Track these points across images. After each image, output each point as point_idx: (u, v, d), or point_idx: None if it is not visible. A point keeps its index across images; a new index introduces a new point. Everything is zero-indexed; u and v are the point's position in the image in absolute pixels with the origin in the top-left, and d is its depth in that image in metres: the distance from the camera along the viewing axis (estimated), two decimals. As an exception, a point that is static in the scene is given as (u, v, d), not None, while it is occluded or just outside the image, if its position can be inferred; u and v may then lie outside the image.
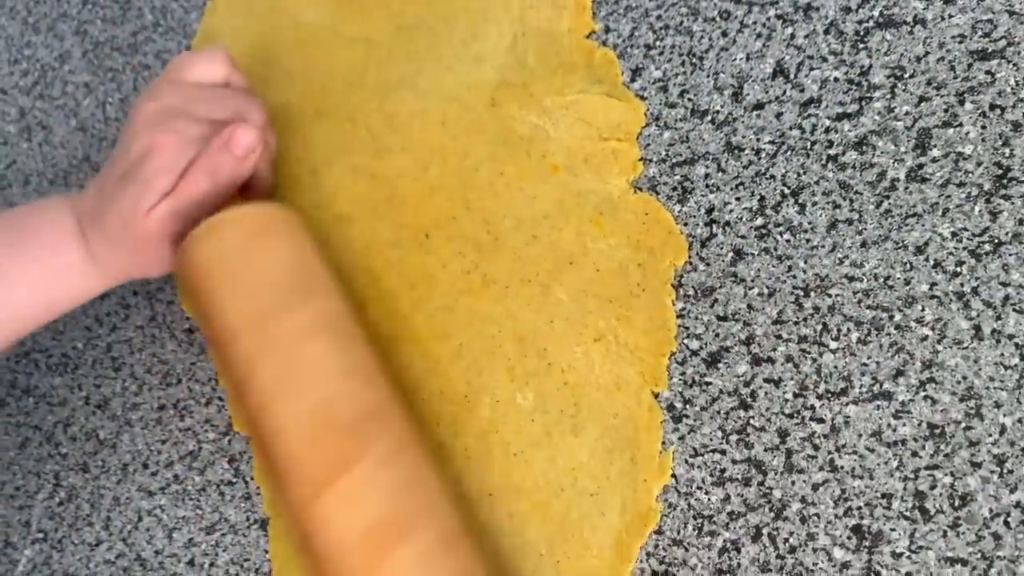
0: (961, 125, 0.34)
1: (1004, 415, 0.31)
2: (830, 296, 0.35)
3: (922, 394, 0.33)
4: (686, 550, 0.35)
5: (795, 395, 0.35)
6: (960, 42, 0.34)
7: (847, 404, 0.34)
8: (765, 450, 0.35)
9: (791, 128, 0.37)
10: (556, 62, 0.43)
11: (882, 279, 0.34)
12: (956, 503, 0.31)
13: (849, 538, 0.33)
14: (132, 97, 0.58)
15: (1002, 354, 0.32)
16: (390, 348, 0.44)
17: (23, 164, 0.61)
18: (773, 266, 0.36)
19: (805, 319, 0.35)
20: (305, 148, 0.49)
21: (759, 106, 0.38)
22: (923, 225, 0.34)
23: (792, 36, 0.37)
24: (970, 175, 0.33)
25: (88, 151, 0.59)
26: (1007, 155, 0.33)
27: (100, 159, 0.58)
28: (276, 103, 0.51)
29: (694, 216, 0.38)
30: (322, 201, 0.48)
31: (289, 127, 0.50)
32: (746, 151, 0.37)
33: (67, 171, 0.60)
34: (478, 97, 0.45)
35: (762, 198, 0.37)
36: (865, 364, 0.34)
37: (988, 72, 0.33)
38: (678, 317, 0.38)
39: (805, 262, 0.36)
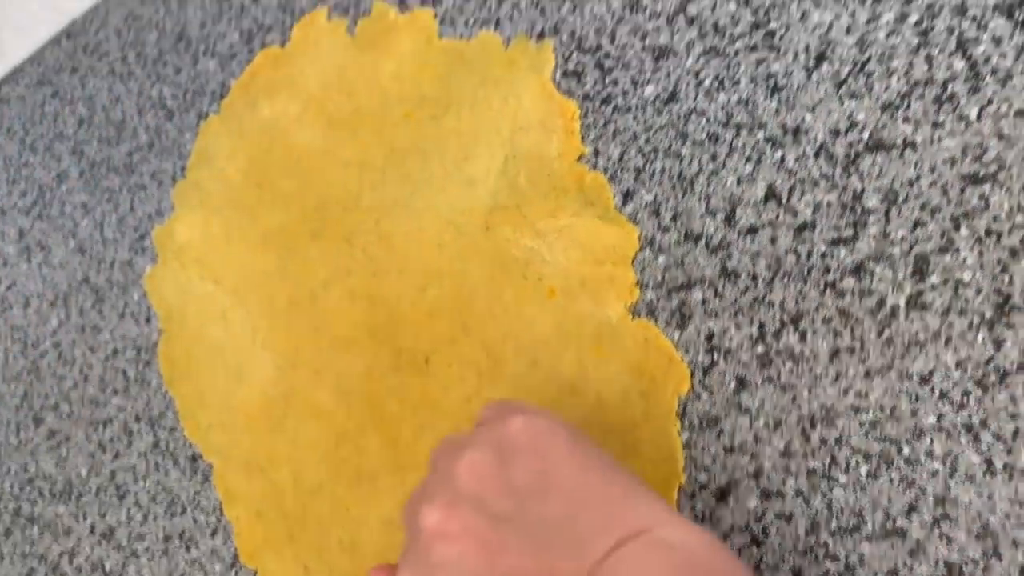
0: (958, 251, 0.33)
1: (1023, 555, 0.30)
2: (837, 427, 0.34)
3: (937, 532, 0.32)
4: None
5: (807, 532, 0.34)
6: (951, 166, 0.34)
7: (861, 541, 0.33)
8: (780, 594, 0.34)
9: (786, 253, 0.36)
10: (548, 185, 0.43)
11: (888, 410, 0.34)
12: (980, 654, 0.31)
13: None
14: (129, 218, 0.58)
15: (1016, 490, 0.31)
16: (394, 477, 0.43)
17: (22, 285, 0.62)
18: (777, 396, 0.36)
19: (813, 451, 0.34)
20: (303, 271, 0.49)
21: (753, 230, 0.37)
22: (926, 354, 0.33)
23: (782, 159, 0.37)
24: (970, 303, 0.33)
25: (87, 272, 0.59)
26: (1006, 282, 0.32)
27: (99, 281, 0.58)
28: (272, 225, 0.51)
29: (694, 343, 0.38)
30: (322, 325, 0.48)
31: (286, 249, 0.50)
32: (742, 276, 0.37)
33: (67, 292, 0.60)
34: (472, 220, 0.45)
35: (762, 325, 0.36)
36: (876, 499, 0.33)
37: (981, 197, 0.33)
38: (684, 448, 0.37)
39: (809, 392, 0.35)
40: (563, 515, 0.27)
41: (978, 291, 0.33)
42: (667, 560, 0.25)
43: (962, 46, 0.35)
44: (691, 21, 0.40)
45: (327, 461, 0.46)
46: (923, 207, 0.34)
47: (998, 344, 0.32)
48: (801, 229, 0.37)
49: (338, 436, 0.45)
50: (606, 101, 0.42)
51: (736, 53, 0.39)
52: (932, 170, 0.34)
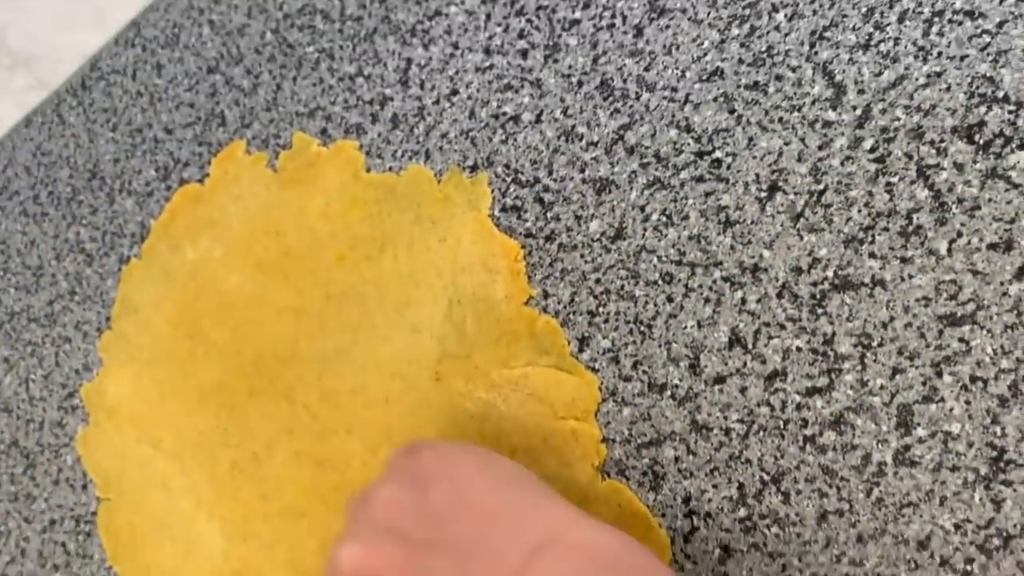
0: (943, 400, 0.31)
1: None
2: (834, 600, 0.31)
3: None
4: None
5: None
6: (926, 306, 0.31)
7: None
8: None
9: (759, 405, 0.34)
10: (497, 331, 0.39)
11: (887, 580, 0.31)
12: None
13: None
14: (55, 373, 0.54)
15: (1035, 668, 0.28)
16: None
17: (-52, 453, 0.57)
18: (766, 564, 0.33)
19: (810, 627, 0.32)
20: (243, 432, 0.46)
21: (720, 379, 0.34)
22: (921, 516, 0.31)
23: (743, 301, 0.34)
24: (963, 458, 0.30)
25: (16, 435, 0.55)
26: (999, 434, 0.30)
27: (29, 444, 0.54)
28: (207, 381, 0.47)
29: (671, 506, 0.35)
30: (268, 492, 0.44)
31: (224, 408, 0.47)
32: (715, 431, 0.34)
33: (-4, 458, 0.55)
34: (420, 371, 0.41)
35: (741, 485, 0.34)
36: None
37: (962, 340, 0.31)
38: (671, 625, 0.34)
39: (799, 559, 0.32)
40: (479, 532, 0.27)
41: (969, 444, 0.30)
42: (582, 560, 0.26)
43: (923, 173, 0.32)
44: (631, 151, 0.38)
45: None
46: (900, 352, 0.32)
47: (997, 504, 0.30)
48: (772, 378, 0.34)
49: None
50: (550, 238, 0.39)
51: (682, 185, 0.36)
52: (906, 310, 0.32)
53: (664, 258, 0.37)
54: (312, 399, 0.44)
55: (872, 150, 0.33)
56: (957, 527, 0.30)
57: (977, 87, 0.32)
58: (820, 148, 0.34)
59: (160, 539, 0.48)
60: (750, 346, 0.35)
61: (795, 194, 0.34)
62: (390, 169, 0.44)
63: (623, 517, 0.36)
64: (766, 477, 0.34)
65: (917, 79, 0.33)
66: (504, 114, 0.41)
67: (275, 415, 0.45)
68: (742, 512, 0.34)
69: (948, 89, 0.32)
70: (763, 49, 0.36)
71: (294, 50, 0.49)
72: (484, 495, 0.29)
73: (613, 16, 0.40)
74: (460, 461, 0.31)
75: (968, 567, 0.30)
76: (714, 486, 0.35)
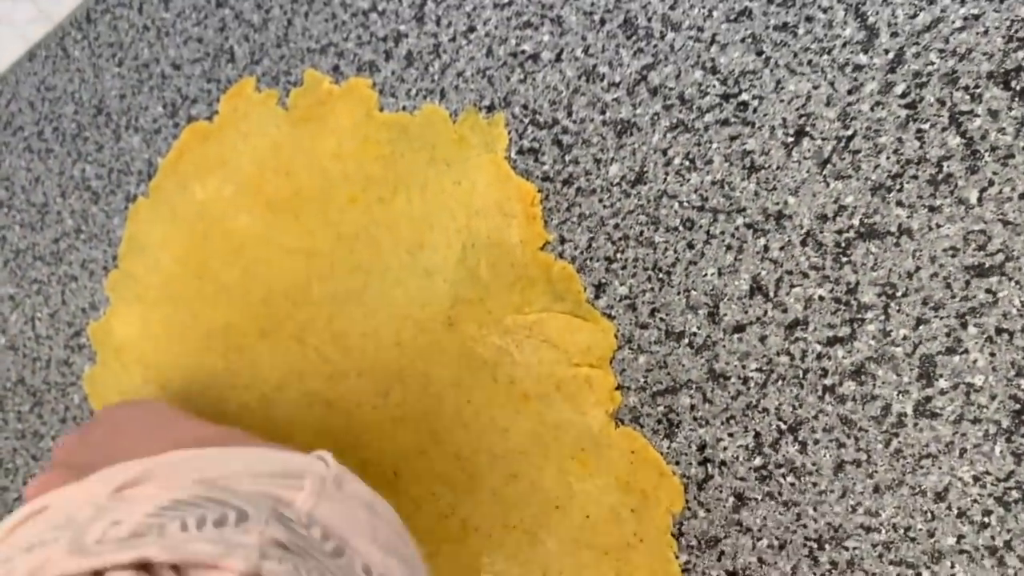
0: (967, 352, 0.30)
1: None
2: (847, 549, 0.31)
3: (966, 666, 0.29)
4: None
5: (824, 665, 0.31)
6: (953, 256, 0.31)
7: (883, 677, 0.30)
8: None
9: (779, 354, 0.33)
10: (512, 276, 0.39)
11: (902, 530, 0.31)
12: None
13: None
14: (61, 312, 0.53)
15: (1049, 620, 0.28)
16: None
17: (-45, 390, 0.57)
18: (780, 513, 0.33)
19: None
20: (253, 373, 0.45)
21: (740, 328, 0.34)
22: (940, 468, 0.30)
23: (766, 248, 0.34)
24: (985, 410, 0.30)
25: (22, 372, 0.54)
26: (1022, 387, 0.29)
27: (36, 382, 0.54)
28: (217, 323, 0.47)
29: (685, 454, 0.35)
30: (276, 432, 0.44)
31: (233, 349, 0.46)
32: (732, 380, 0.34)
33: (1, 395, 0.55)
34: (433, 315, 0.41)
35: (757, 434, 0.33)
36: (897, 629, 0.30)
37: (989, 291, 0.30)
38: (683, 571, 0.34)
39: (815, 509, 0.32)
40: (127, 452, 0.30)
41: (992, 397, 0.30)
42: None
43: (955, 120, 0.31)
44: (654, 92, 0.37)
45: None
46: (925, 302, 0.31)
47: (1018, 457, 0.29)
48: (792, 327, 0.33)
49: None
50: (568, 182, 0.38)
51: (706, 128, 0.35)
52: (932, 260, 0.31)
53: (686, 203, 0.36)
54: (323, 341, 0.44)
55: (903, 95, 0.32)
56: (976, 479, 0.30)
57: (1016, 31, 0.31)
58: (850, 92, 0.33)
59: (168, 478, 0.48)
60: (771, 294, 0.34)
61: (823, 139, 0.34)
62: (404, 108, 0.43)
63: (636, 464, 0.36)
64: (783, 426, 0.33)
65: (953, 22, 0.32)
66: (523, 52, 0.40)
67: (285, 357, 0.45)
68: (758, 461, 0.34)
69: (985, 32, 0.31)
70: (795, -12, 0.35)
71: (306, -16, 0.47)
72: (132, 425, 0.37)
73: (639, -48, 0.38)
74: (118, 408, 0.41)
75: (986, 519, 0.30)
76: (730, 435, 0.34)
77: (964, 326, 0.31)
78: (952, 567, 0.30)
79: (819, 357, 0.33)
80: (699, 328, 0.35)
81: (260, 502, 0.22)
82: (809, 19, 0.34)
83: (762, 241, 0.34)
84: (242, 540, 0.20)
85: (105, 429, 0.38)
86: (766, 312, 0.34)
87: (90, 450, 0.36)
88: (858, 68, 0.33)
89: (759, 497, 0.33)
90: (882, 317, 0.32)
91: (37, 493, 0.32)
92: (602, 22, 0.38)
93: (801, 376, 0.33)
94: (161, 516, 0.21)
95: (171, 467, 0.24)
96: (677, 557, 0.34)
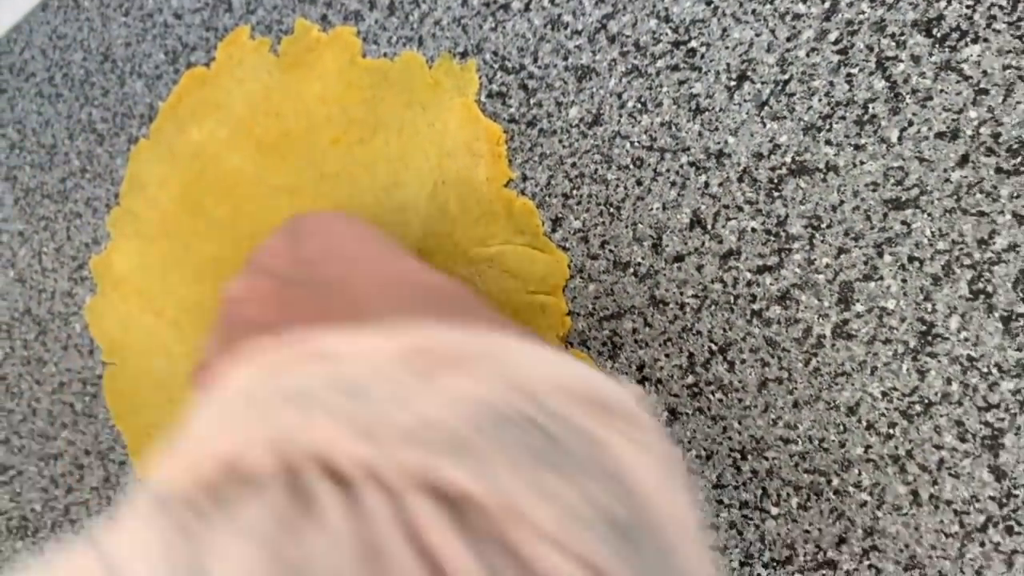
0: (882, 279, 0.33)
1: (948, 587, 0.30)
2: (767, 459, 0.34)
3: (866, 563, 0.32)
4: None
5: (741, 563, 0.34)
6: (874, 190, 0.33)
7: (793, 573, 0.33)
8: (712, 635, 0.34)
9: (713, 282, 0.36)
10: (478, 211, 0.42)
11: (817, 441, 0.33)
12: None
13: None
14: (66, 246, 0.57)
15: (942, 521, 0.31)
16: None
17: (-34, 319, 0.61)
18: (708, 427, 0.35)
19: (744, 483, 0.34)
20: (239, 302, 0.48)
21: (679, 258, 0.37)
22: (853, 385, 0.33)
23: (706, 184, 0.36)
24: (895, 331, 0.32)
25: (29, 303, 0.58)
26: (929, 310, 0.32)
27: (41, 312, 0.57)
28: (205, 255, 0.50)
29: (626, 373, 0.37)
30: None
31: (221, 280, 0.49)
32: (671, 305, 0.37)
33: (9, 324, 0.59)
34: (405, 248, 0.44)
35: (691, 355, 0.36)
36: (807, 531, 0.33)
37: (904, 223, 0.33)
38: (619, 481, 0.37)
39: (739, 423, 0.35)
40: (341, 273, 0.29)
41: (902, 319, 0.33)
42: (416, 290, 0.28)
43: (882, 65, 0.34)
44: (612, 39, 0.39)
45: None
46: (847, 233, 0.34)
47: (922, 374, 0.32)
48: (727, 256, 0.36)
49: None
50: (531, 124, 0.41)
51: (658, 73, 0.38)
52: (855, 195, 0.34)
53: (636, 144, 0.39)
54: (303, 272, 0.47)
55: (836, 42, 0.35)
56: (884, 395, 0.33)
57: (939, -18, 0.33)
58: (788, 40, 0.36)
59: (161, 401, 0.51)
60: (709, 227, 0.37)
61: (762, 83, 0.36)
62: (385, 55, 0.46)
63: (582, 383, 0.38)
64: (714, 348, 0.36)
65: (884, -27, 0.34)
66: (495, 2, 0.43)
67: (269, 287, 0.48)
68: (690, 379, 0.36)
69: (912, -17, 0.34)
70: (742, -58, 0.37)
71: (299, -63, 0.50)
72: (349, 245, 0.32)
73: (602, -94, 0.41)
74: (333, 221, 0.35)
75: (891, 430, 0.32)
76: (666, 355, 0.37)
77: (880, 255, 0.33)
78: (859, 474, 0.33)
79: (749, 284, 0.35)
80: (643, 258, 0.38)
81: (588, 451, 0.17)
82: (755, -29, 0.37)
83: (703, 178, 0.37)
84: (583, 512, 0.16)
85: (319, 245, 0.32)
86: (704, 243, 0.37)
87: (304, 265, 0.31)
88: (797, 17, 0.36)
89: (690, 412, 0.36)
90: (807, 247, 0.35)
91: (241, 296, 0.30)
92: (567, -27, 0.41)
93: (732, 302, 0.36)
94: (481, 430, 0.16)
95: (473, 350, 0.19)
96: (615, 468, 0.37)
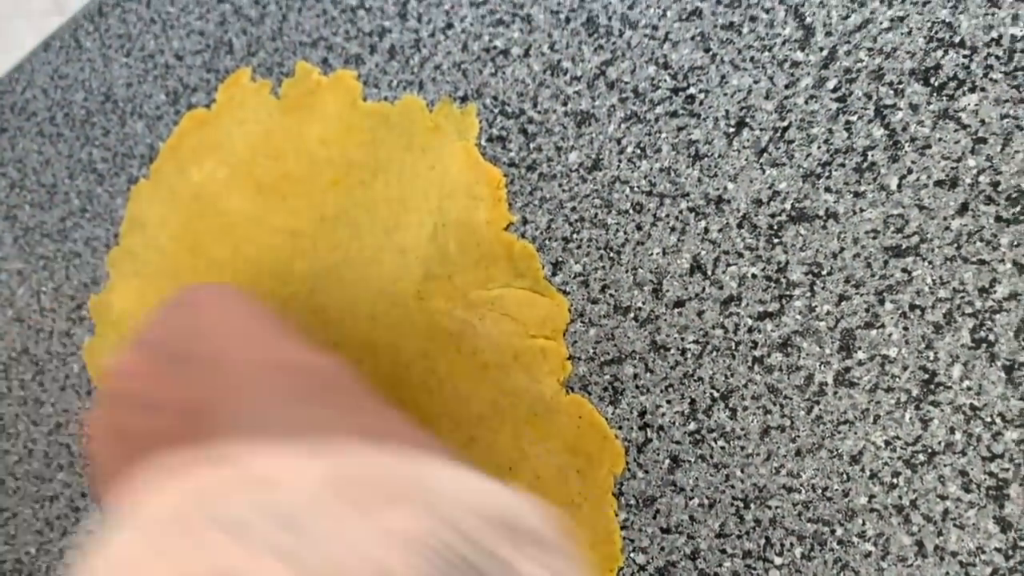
0: (883, 326, 0.33)
1: (955, 641, 0.30)
2: (770, 508, 0.34)
3: (872, 615, 0.31)
4: None
5: (745, 615, 0.33)
6: (874, 238, 0.33)
7: (798, 625, 0.33)
8: None
9: (714, 327, 0.36)
10: (477, 253, 0.42)
11: (820, 490, 0.33)
12: None
13: None
14: (65, 286, 0.57)
15: (947, 572, 0.31)
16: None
17: (-37, 358, 0.60)
18: (711, 475, 0.35)
19: (748, 532, 0.34)
20: (238, 344, 0.48)
21: (680, 303, 0.37)
22: (856, 433, 0.33)
23: (706, 230, 0.36)
24: (897, 379, 0.32)
25: (27, 343, 0.58)
26: (931, 359, 0.32)
27: (39, 352, 0.57)
28: (206, 296, 0.50)
29: (628, 419, 0.37)
30: (259, 399, 0.47)
31: (221, 321, 0.49)
32: (672, 351, 0.37)
33: (6, 364, 0.58)
34: (405, 290, 0.44)
35: (692, 401, 0.36)
36: (812, 582, 0.33)
37: (904, 270, 0.33)
38: (622, 528, 0.37)
39: (742, 471, 0.35)
40: (223, 354, 0.30)
41: (904, 367, 0.32)
42: (287, 373, 0.29)
43: (880, 113, 0.34)
44: (611, 86, 0.39)
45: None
46: (847, 280, 0.34)
47: (925, 423, 0.32)
48: (727, 302, 0.36)
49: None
50: (531, 168, 0.41)
51: (657, 119, 0.38)
52: (855, 242, 0.34)
53: (636, 188, 0.39)
54: (303, 314, 0.47)
55: (835, 90, 0.35)
56: (887, 443, 0.33)
57: (936, 32, 0.33)
58: (787, 87, 0.36)
59: (157, 442, 0.51)
60: (709, 272, 0.37)
61: (760, 130, 0.36)
62: (385, 98, 0.46)
63: (583, 428, 0.38)
64: (716, 394, 0.36)
65: (881, 23, 0.34)
66: (495, 48, 0.43)
67: (268, 328, 0.48)
68: (692, 426, 0.36)
69: (909, 33, 0.34)
70: (740, -10, 0.38)
71: (300, -19, 0.51)
72: (235, 322, 0.33)
73: (600, -45, 0.41)
74: (222, 295, 0.36)
75: (894, 480, 0.32)
76: (668, 401, 0.37)
77: (881, 302, 0.33)
78: (863, 524, 0.32)
79: (750, 330, 0.35)
80: (644, 303, 0.38)
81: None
82: (753, 19, 0.37)
83: (703, 223, 0.37)
84: None
85: (186, 314, 0.34)
86: (704, 289, 0.37)
87: (188, 342, 0.32)
88: (795, 64, 0.36)
89: (692, 459, 0.36)
90: (808, 294, 0.34)
91: (123, 370, 0.31)
92: (567, 20, 0.41)
93: (733, 348, 0.36)
94: (417, 570, 0.16)
95: (401, 478, 0.19)
96: (617, 515, 0.37)
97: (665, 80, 0.38)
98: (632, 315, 0.38)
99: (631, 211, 0.39)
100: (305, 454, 0.19)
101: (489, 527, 0.19)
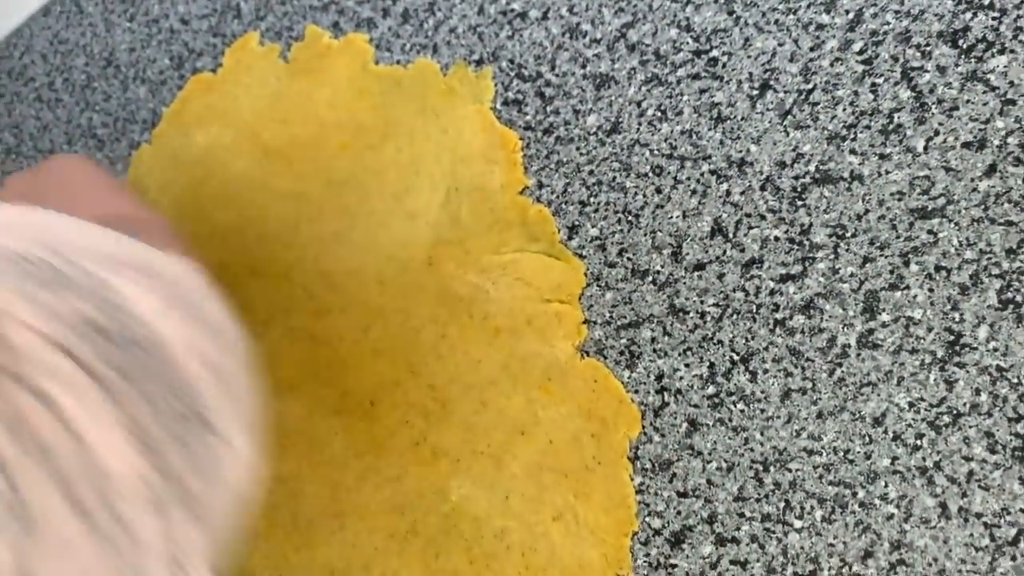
0: (908, 288, 0.32)
1: (980, 603, 0.30)
2: (790, 471, 0.33)
3: (894, 578, 0.31)
4: None
5: (763, 579, 0.33)
6: (899, 199, 0.33)
7: (817, 589, 0.32)
8: (736, 652, 0.33)
9: (735, 290, 0.35)
10: (491, 219, 0.41)
11: (842, 453, 0.33)
12: None
13: None
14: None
15: (971, 534, 0.30)
16: (334, 522, 0.42)
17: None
18: (729, 438, 0.35)
19: (767, 496, 0.34)
20: (243, 309, 0.47)
21: (700, 267, 0.36)
22: (879, 395, 0.32)
23: (728, 193, 0.36)
24: (922, 341, 0.32)
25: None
26: (957, 320, 0.31)
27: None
28: (210, 261, 0.49)
29: (644, 383, 0.37)
30: (264, 365, 0.46)
31: (225, 287, 0.48)
32: (691, 314, 0.36)
33: None
34: (414, 255, 0.43)
35: (712, 364, 0.35)
36: (832, 544, 0.32)
37: (930, 232, 0.32)
38: (637, 492, 0.36)
39: (762, 434, 0.34)
40: (64, 208, 0.32)
41: (929, 329, 0.32)
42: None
43: (907, 75, 0.34)
44: (632, 48, 0.39)
45: (259, 505, 0.44)
46: (872, 242, 0.33)
47: (950, 384, 0.32)
48: (749, 265, 0.35)
49: (271, 480, 0.44)
50: (548, 131, 0.41)
51: (679, 82, 0.38)
52: (880, 204, 0.33)
53: (656, 151, 0.38)
54: (310, 279, 0.46)
55: (861, 52, 0.35)
56: (911, 405, 0.32)
57: (965, -6, 0.33)
58: (812, 49, 0.36)
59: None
60: (731, 235, 0.36)
61: (785, 92, 0.36)
62: (398, 62, 0.46)
63: (598, 392, 0.38)
64: (736, 357, 0.35)
65: (909, -15, 0.34)
66: (512, 11, 0.42)
67: (274, 294, 0.47)
68: (711, 389, 0.36)
69: (938, -5, 0.34)
70: (765, -47, 0.37)
71: (312, -56, 0.50)
72: (79, 182, 0.40)
73: (624, -84, 0.41)
74: (74, 162, 0.42)
75: (918, 442, 0.32)
76: (686, 365, 0.36)
77: (907, 264, 0.33)
78: (886, 486, 0.32)
79: (772, 293, 0.35)
80: (663, 266, 0.37)
81: (90, 284, 0.23)
82: (777, -18, 0.37)
83: (724, 186, 0.36)
84: (65, 316, 0.21)
85: (51, 178, 0.41)
86: (725, 251, 0.36)
87: (35, 191, 0.40)
88: (820, 27, 0.35)
89: (711, 423, 0.35)
90: (832, 256, 0.34)
91: None
92: (587, -18, 0.41)
93: (754, 311, 0.35)
94: (2, 265, 0.22)
95: (34, 225, 0.25)
96: (632, 479, 0.36)
97: (687, 43, 0.38)
98: (650, 279, 0.37)
99: (651, 174, 0.38)
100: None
101: (95, 257, 0.24)
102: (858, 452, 0.33)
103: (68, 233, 0.25)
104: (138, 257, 0.26)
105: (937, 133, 0.33)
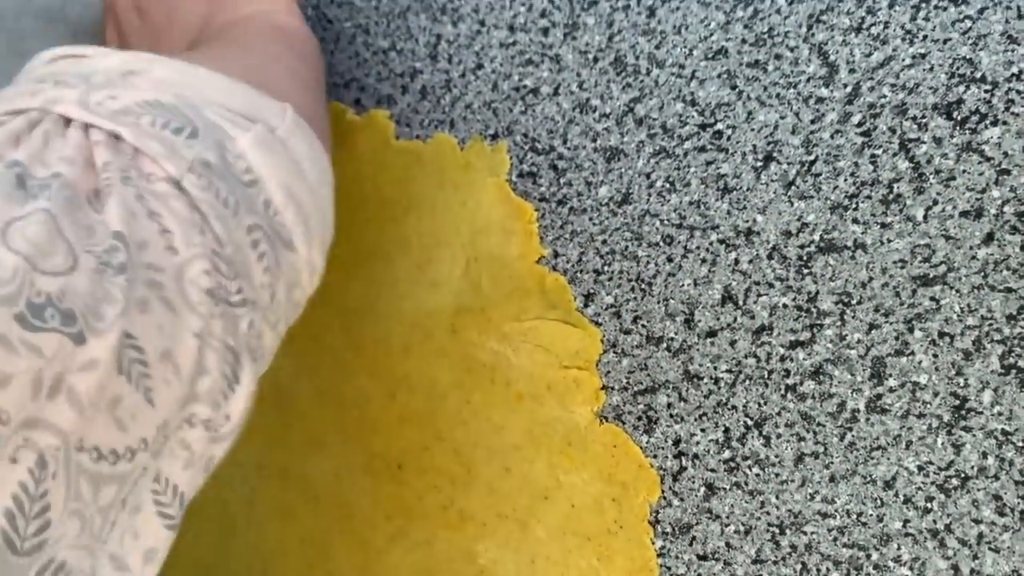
0: (913, 354, 0.33)
1: (995, 665, 0.30)
2: (805, 534, 0.34)
3: (910, 640, 0.32)
4: None
5: (783, 641, 0.34)
6: (902, 267, 0.34)
7: (836, 651, 0.33)
8: None
9: (746, 356, 0.37)
10: (510, 287, 0.43)
11: (855, 516, 0.34)
12: None
13: None
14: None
15: (985, 596, 0.31)
16: (373, 587, 0.43)
17: None
18: (746, 501, 0.36)
19: (784, 558, 0.35)
20: (270, 365, 0.49)
21: (712, 333, 0.38)
22: (889, 459, 0.33)
23: (736, 261, 0.37)
24: (928, 406, 0.33)
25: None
26: (962, 385, 0.32)
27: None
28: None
29: (662, 448, 0.38)
30: (291, 422, 0.48)
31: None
32: (705, 380, 0.37)
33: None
34: (438, 323, 0.45)
35: (727, 429, 0.37)
36: (849, 607, 0.33)
37: (933, 299, 0.33)
38: (659, 556, 0.37)
39: (777, 497, 0.35)
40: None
41: (935, 394, 0.33)
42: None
43: (905, 146, 0.35)
44: (639, 122, 0.41)
45: (292, 565, 0.46)
46: (877, 309, 0.35)
47: (957, 448, 0.32)
48: (759, 332, 0.37)
49: (303, 539, 0.45)
50: (562, 202, 0.42)
51: (685, 154, 0.39)
52: (883, 272, 0.35)
53: (666, 221, 0.40)
54: (338, 342, 0.48)
55: (859, 124, 0.36)
56: (920, 468, 0.33)
57: (957, 68, 0.35)
58: (812, 122, 0.37)
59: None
60: (741, 303, 0.38)
61: (788, 164, 0.37)
62: (417, 137, 0.48)
63: (618, 457, 0.39)
64: (750, 422, 0.37)
65: (903, 60, 0.36)
66: (525, 87, 0.44)
67: (301, 352, 0.49)
68: (727, 454, 0.37)
69: (931, 69, 0.35)
70: (764, 30, 0.39)
71: (333, 25, 0.53)
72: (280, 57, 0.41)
73: (628, -2, 0.43)
74: None
75: (928, 504, 0.33)
76: (702, 430, 0.38)
77: (911, 330, 0.34)
78: (898, 549, 0.33)
79: (782, 359, 0.36)
80: (676, 333, 0.39)
81: (212, 129, 0.29)
82: (778, 57, 0.38)
83: (733, 255, 0.38)
84: (182, 152, 0.27)
85: (258, 41, 0.42)
86: (736, 319, 0.37)
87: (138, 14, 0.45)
88: (820, 100, 0.37)
89: (727, 487, 0.36)
90: (838, 323, 0.35)
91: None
92: (595, 60, 0.43)
93: (766, 376, 0.36)
94: (143, 108, 0.27)
95: (168, 72, 0.30)
96: (653, 543, 0.37)
97: (693, 116, 0.40)
98: (664, 345, 0.39)
99: (661, 243, 0.40)
100: (114, 53, 0.30)
101: (218, 108, 0.30)
102: (871, 515, 0.34)
103: (205, 89, 0.30)
104: (258, 114, 0.31)
105: (936, 202, 0.34)
